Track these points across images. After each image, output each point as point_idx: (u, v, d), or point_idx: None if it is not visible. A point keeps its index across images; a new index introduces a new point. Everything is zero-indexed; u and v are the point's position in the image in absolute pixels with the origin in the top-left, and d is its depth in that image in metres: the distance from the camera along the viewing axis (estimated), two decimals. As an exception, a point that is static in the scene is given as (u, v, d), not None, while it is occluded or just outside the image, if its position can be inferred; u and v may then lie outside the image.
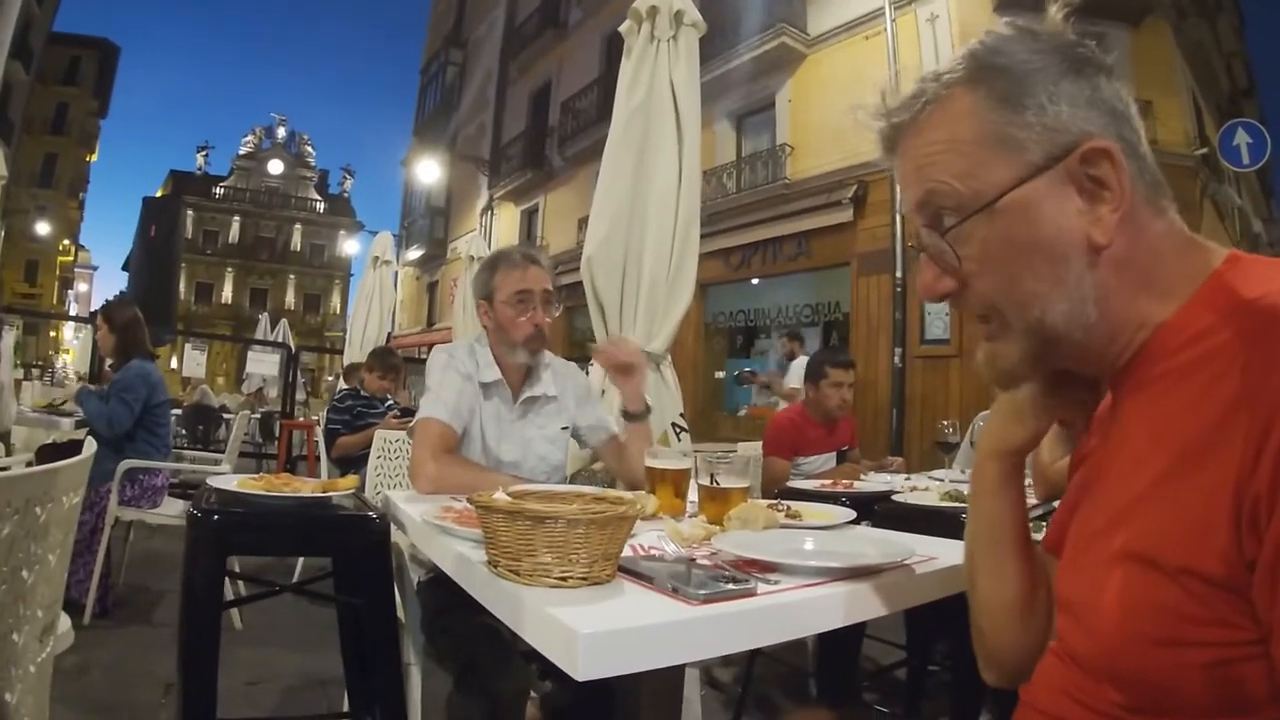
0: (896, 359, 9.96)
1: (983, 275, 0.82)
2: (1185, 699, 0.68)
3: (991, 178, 0.79)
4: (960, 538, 1.66)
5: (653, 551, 1.29)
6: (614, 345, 2.24)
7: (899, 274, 9.98)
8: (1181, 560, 0.67)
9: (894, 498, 2.60)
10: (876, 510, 2.41)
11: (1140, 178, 0.79)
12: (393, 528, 1.87)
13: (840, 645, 2.53)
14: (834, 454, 4.05)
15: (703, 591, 0.97)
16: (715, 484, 1.65)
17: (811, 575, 1.13)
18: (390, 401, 5.40)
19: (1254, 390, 0.64)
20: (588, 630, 0.83)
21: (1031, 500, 2.54)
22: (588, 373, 2.91)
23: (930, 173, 0.83)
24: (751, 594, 1.02)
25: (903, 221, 10.00)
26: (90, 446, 1.24)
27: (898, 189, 8.15)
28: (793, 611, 1.03)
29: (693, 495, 1.85)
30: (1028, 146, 0.79)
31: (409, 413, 5.21)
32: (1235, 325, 0.70)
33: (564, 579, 1.03)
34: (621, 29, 3.57)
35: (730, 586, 1.01)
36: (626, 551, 1.15)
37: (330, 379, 25.82)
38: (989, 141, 0.80)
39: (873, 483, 3.23)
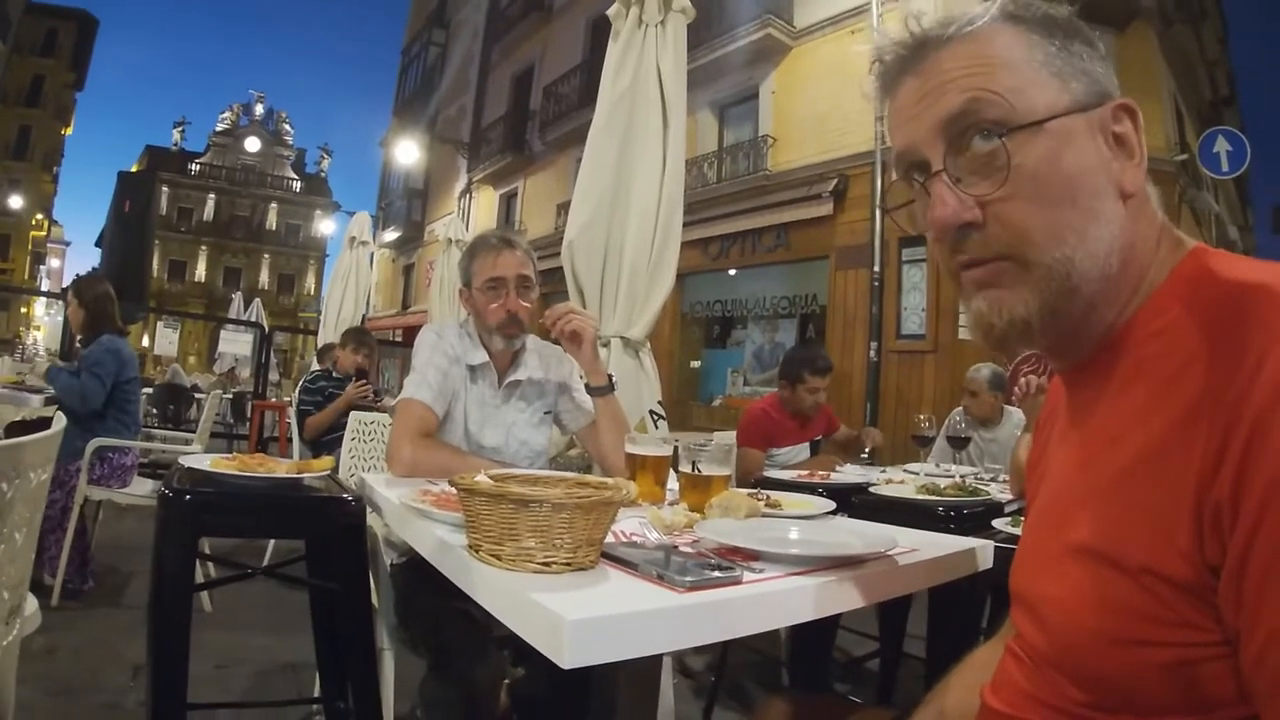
0: (872, 353, 10.01)
1: (1017, 200, 0.75)
2: (1146, 697, 0.68)
3: (1043, 98, 0.76)
4: (936, 529, 1.67)
5: (634, 538, 1.28)
6: (558, 311, 2.20)
7: (877, 268, 10.01)
8: (1142, 560, 0.66)
9: (870, 489, 2.61)
10: (853, 502, 2.41)
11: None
12: (368, 510, 1.85)
13: (814, 634, 2.54)
14: (807, 445, 4.09)
15: (688, 579, 0.96)
16: (697, 471, 1.64)
17: (796, 564, 1.12)
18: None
19: (1216, 390, 0.63)
20: (574, 617, 0.81)
21: (1006, 496, 2.56)
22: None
23: (974, 82, 0.77)
24: (737, 582, 1.01)
25: (882, 217, 10.03)
26: (60, 421, 1.21)
27: (878, 182, 8.16)
28: (779, 600, 1.02)
29: (671, 483, 1.84)
30: (1072, 83, 0.77)
31: (363, 374, 5.15)
32: (1197, 320, 0.69)
33: (547, 564, 1.01)
34: (609, 12, 3.53)
35: (716, 574, 1.00)
36: (607, 538, 1.13)
37: (303, 360, 25.58)
38: (1040, 65, 0.77)
39: (849, 474, 3.24)
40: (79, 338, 4.16)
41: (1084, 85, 0.77)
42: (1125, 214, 0.77)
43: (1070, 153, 0.75)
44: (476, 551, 1.07)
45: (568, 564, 1.02)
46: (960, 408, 4.15)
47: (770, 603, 1.02)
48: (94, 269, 8.99)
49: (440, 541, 1.22)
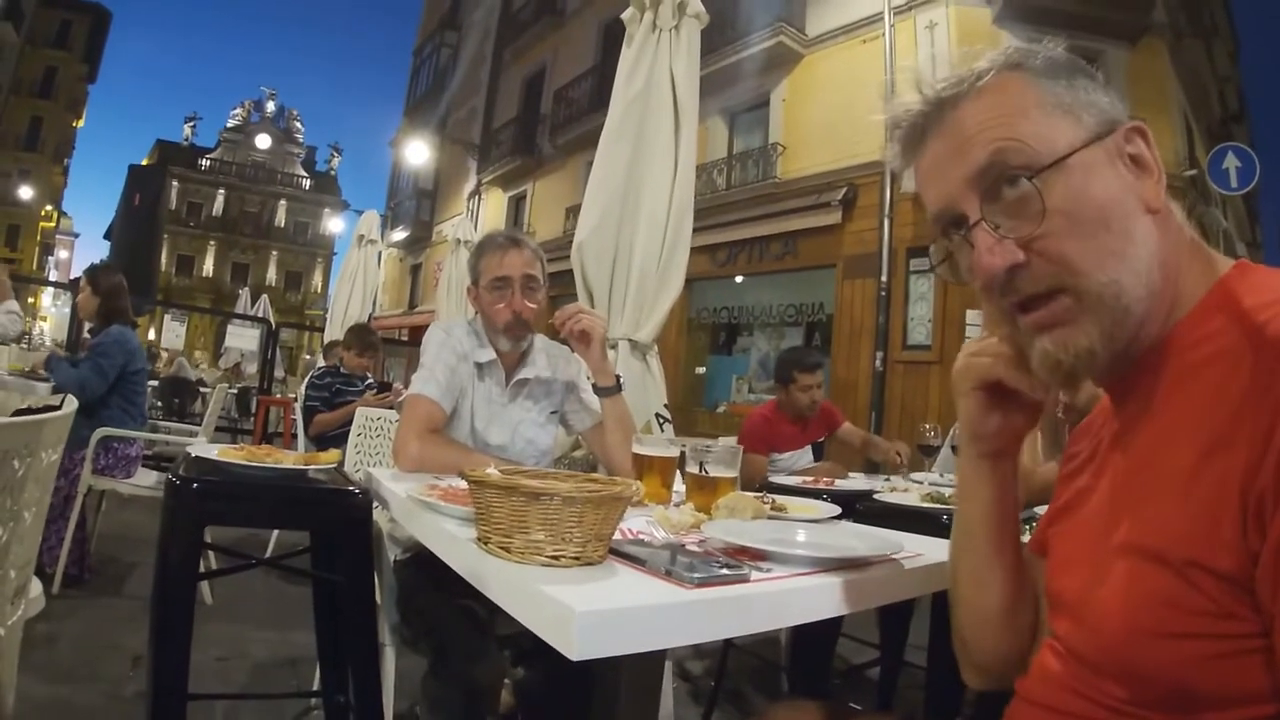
0: (878, 363, 10.00)
1: (1056, 235, 0.78)
2: (1189, 692, 0.69)
3: (1062, 136, 0.79)
4: (942, 537, 1.66)
5: (641, 536, 1.28)
6: (568, 311, 2.20)
7: (884, 278, 10.02)
8: (1188, 554, 0.68)
9: (875, 497, 2.61)
10: (858, 508, 2.41)
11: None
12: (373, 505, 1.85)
13: (815, 640, 2.53)
14: (809, 448, 4.10)
15: (697, 575, 0.96)
16: (704, 473, 1.64)
17: (803, 565, 1.12)
18: (369, 380, 5.36)
19: (1260, 389, 0.66)
20: (584, 609, 0.81)
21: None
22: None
23: (996, 134, 0.81)
24: (745, 580, 1.01)
25: (890, 226, 10.03)
26: (71, 404, 1.21)
27: (886, 191, 8.13)
28: (786, 599, 1.02)
29: (677, 487, 1.84)
30: (1084, 117, 0.81)
31: (386, 387, 5.18)
32: (1243, 328, 0.71)
33: (556, 558, 1.01)
34: (624, 16, 3.55)
35: (724, 572, 1.00)
36: (614, 536, 1.13)
37: (308, 357, 25.62)
38: (1052, 107, 0.81)
39: (853, 482, 3.24)
40: (89, 326, 4.16)
41: (1094, 117, 0.81)
42: (1156, 228, 0.80)
43: (1095, 182, 0.78)
44: (485, 544, 1.07)
45: (576, 558, 1.02)
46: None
47: (778, 602, 1.02)
48: (101, 261, 9.02)
49: (448, 534, 1.22)
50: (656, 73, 3.43)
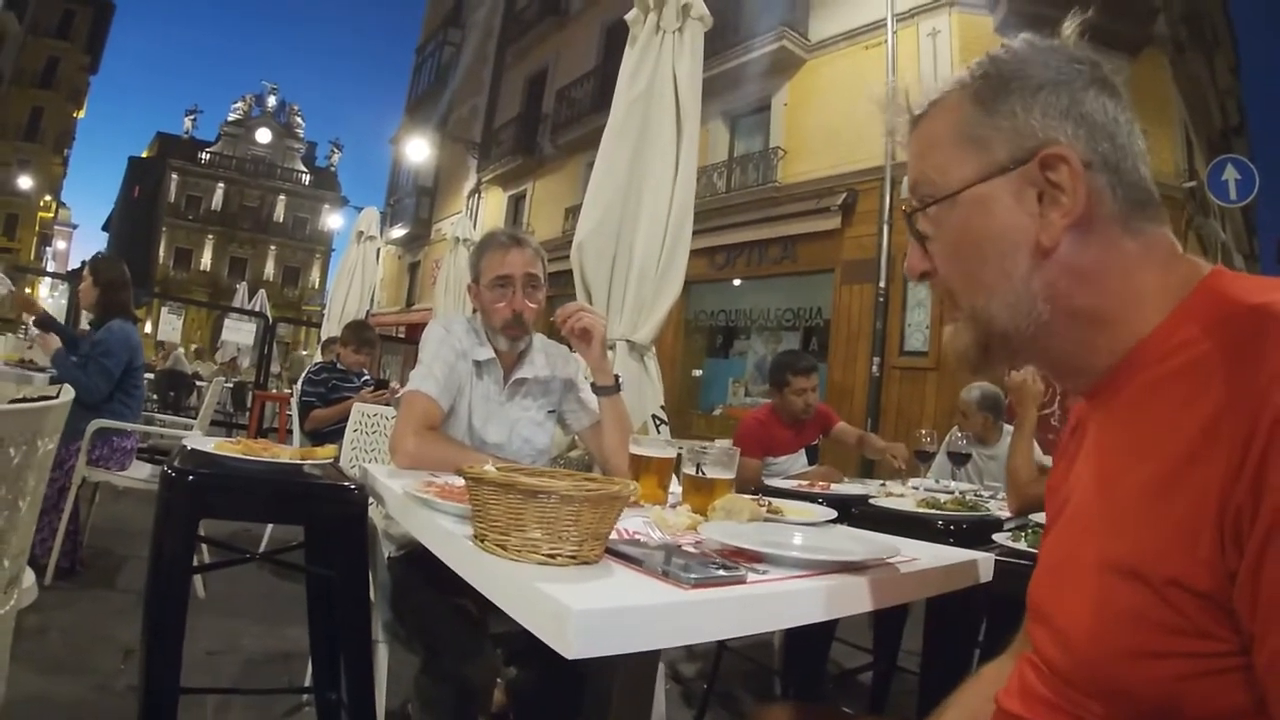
0: (875, 368, 10.00)
1: (942, 260, 0.89)
2: (1167, 711, 0.68)
3: (958, 172, 0.86)
4: (938, 542, 1.67)
5: (637, 536, 1.27)
6: (570, 309, 2.20)
7: (882, 284, 10.02)
8: (1169, 572, 0.67)
9: (870, 501, 2.61)
10: (854, 513, 2.41)
11: (1111, 191, 0.80)
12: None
13: (809, 644, 2.53)
14: (803, 453, 4.10)
15: (694, 576, 0.96)
16: (701, 474, 1.64)
17: (799, 567, 1.12)
18: (366, 376, 5.35)
19: (1236, 399, 0.64)
20: (581, 607, 0.81)
21: (1006, 513, 2.56)
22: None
23: (917, 163, 0.91)
24: (742, 581, 1.01)
25: (890, 232, 10.05)
26: (69, 392, 1.20)
27: (886, 197, 8.20)
28: (783, 601, 1.02)
29: (673, 488, 1.84)
30: (994, 147, 0.84)
31: (382, 385, 5.17)
32: (1217, 337, 0.70)
33: (553, 556, 1.01)
34: (628, 17, 3.55)
35: (721, 573, 1.00)
36: (610, 536, 1.13)
37: (303, 354, 25.58)
38: (960, 139, 0.86)
39: (849, 486, 3.24)
40: (87, 318, 4.14)
41: (1007, 146, 0.83)
42: (1049, 267, 0.81)
43: (981, 217, 0.85)
44: (482, 541, 1.07)
45: (573, 557, 1.02)
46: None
47: (775, 603, 1.02)
48: (100, 253, 9.01)
49: (445, 531, 1.22)
50: (659, 74, 3.43)
